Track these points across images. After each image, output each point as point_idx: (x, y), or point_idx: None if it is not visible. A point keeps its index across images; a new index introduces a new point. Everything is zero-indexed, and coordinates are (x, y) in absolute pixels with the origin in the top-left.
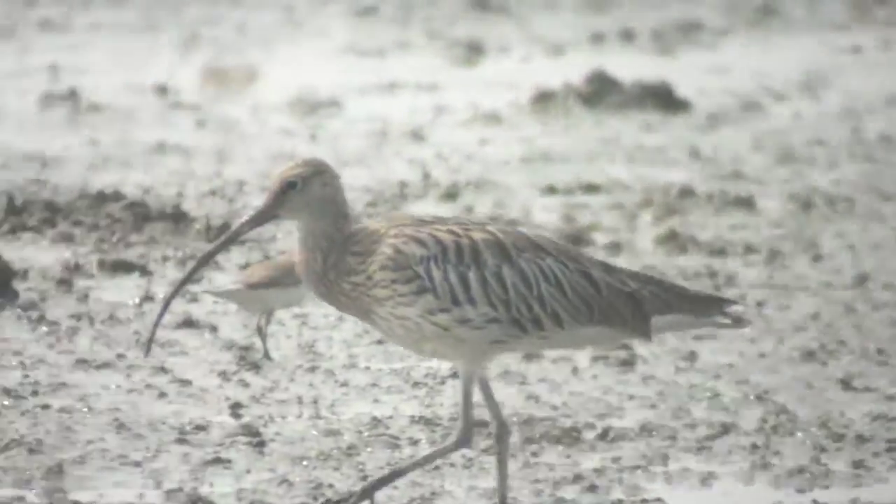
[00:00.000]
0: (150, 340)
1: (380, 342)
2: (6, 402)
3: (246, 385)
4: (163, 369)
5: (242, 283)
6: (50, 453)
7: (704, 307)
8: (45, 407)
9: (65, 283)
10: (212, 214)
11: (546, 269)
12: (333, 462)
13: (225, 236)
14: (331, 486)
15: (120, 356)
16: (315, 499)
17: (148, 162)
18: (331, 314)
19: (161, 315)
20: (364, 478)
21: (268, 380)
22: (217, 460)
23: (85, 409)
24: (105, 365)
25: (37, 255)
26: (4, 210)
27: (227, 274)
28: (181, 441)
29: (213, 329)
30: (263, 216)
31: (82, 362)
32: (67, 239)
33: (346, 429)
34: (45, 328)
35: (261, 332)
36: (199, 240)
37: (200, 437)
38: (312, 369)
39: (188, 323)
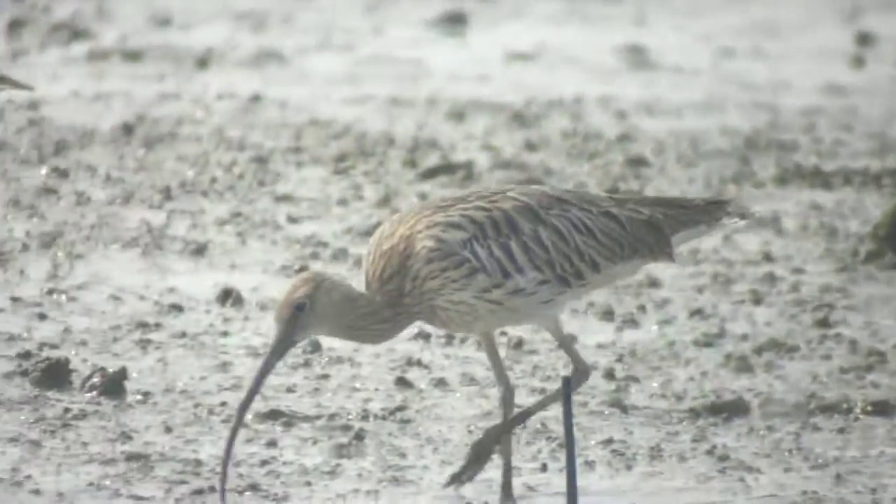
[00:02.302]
0: (223, 488)
1: None
2: None
3: None
4: None
5: None
6: None
7: (711, 213)
8: None
9: None
10: None
11: (575, 220)
12: None
13: (255, 380)
14: None
15: None
16: None
17: None
18: None
19: (227, 460)
20: None
21: None
22: None
23: None
24: None
25: None
26: None
27: None
28: None
29: None
30: (284, 345)
31: None
32: None
33: None
34: None
35: None
36: None
37: None
38: None
39: None
